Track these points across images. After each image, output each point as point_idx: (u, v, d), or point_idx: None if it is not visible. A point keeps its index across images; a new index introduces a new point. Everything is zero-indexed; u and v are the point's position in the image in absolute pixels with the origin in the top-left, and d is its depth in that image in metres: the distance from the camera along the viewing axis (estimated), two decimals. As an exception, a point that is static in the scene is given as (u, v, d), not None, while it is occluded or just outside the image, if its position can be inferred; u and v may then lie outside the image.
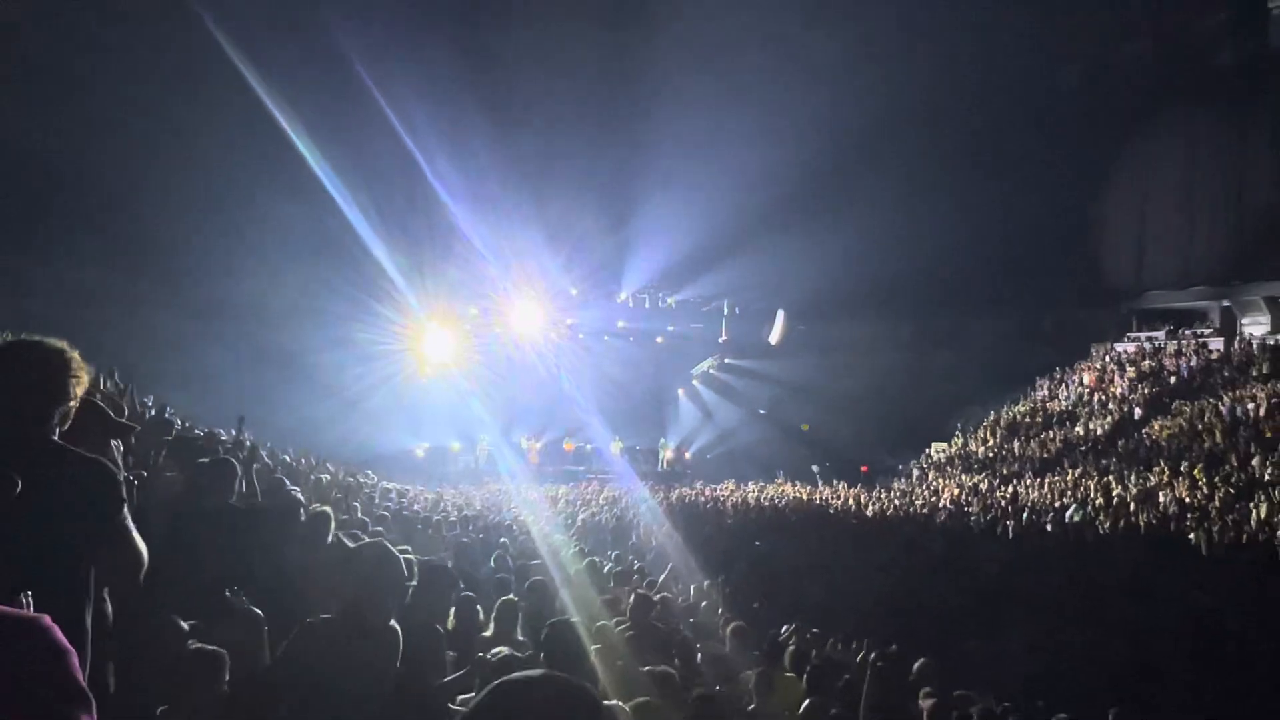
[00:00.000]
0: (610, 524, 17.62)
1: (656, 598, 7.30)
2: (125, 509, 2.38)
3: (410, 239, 30.53)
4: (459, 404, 32.45)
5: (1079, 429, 24.97)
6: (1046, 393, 29.03)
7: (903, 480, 26.57)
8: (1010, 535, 16.29)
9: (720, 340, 40.13)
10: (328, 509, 6.09)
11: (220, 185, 26.58)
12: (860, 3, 32.55)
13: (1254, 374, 23.53)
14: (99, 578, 2.40)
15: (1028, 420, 27.42)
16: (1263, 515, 13.95)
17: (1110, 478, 19.21)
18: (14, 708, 0.98)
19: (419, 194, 30.62)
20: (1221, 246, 29.27)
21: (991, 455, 25.84)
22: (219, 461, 4.97)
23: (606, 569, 9.29)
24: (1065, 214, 32.28)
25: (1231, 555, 13.12)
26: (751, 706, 5.56)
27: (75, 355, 2.35)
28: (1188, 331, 29.31)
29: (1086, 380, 28.39)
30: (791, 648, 7.25)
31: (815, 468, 29.91)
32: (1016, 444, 25.84)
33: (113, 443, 3.27)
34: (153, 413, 9.10)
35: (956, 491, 21.95)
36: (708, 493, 25.17)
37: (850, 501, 21.83)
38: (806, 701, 5.64)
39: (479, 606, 5.40)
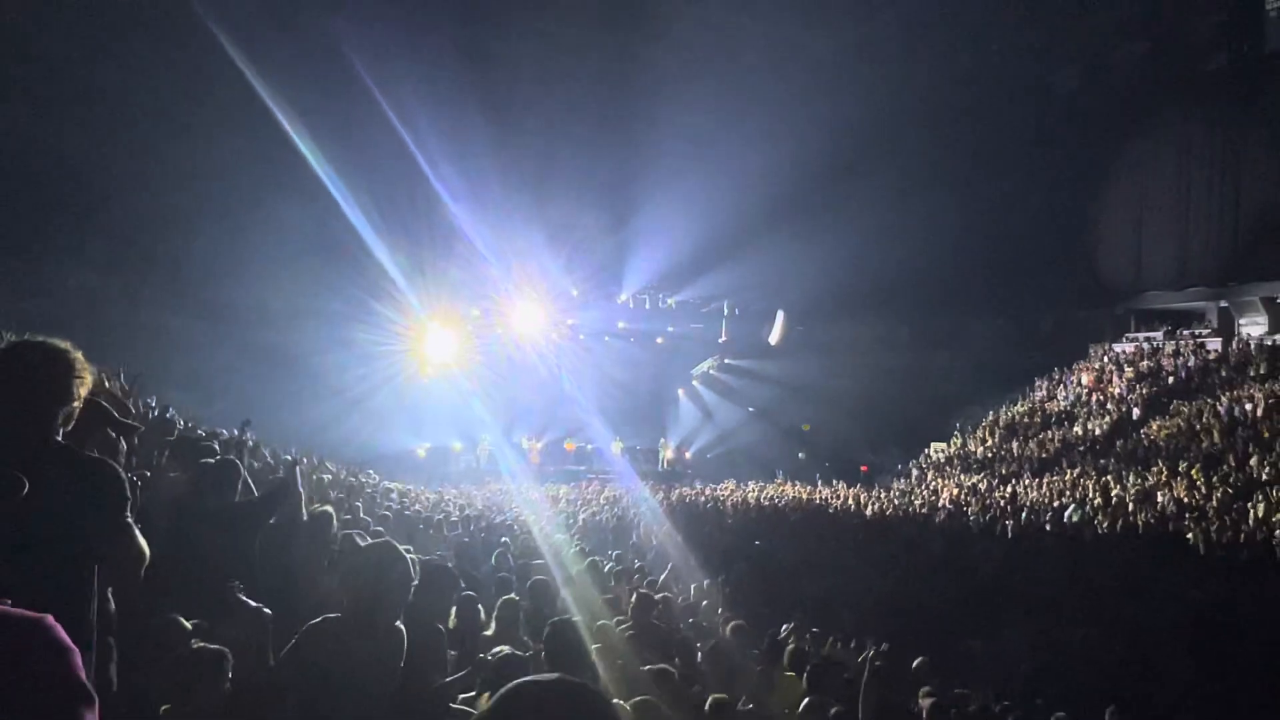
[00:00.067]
0: (611, 524, 17.65)
1: (658, 596, 7.32)
2: (129, 508, 2.40)
3: (412, 240, 30.57)
4: (460, 404, 32.48)
5: (1077, 429, 25.00)
6: (1045, 393, 29.05)
7: (902, 480, 26.60)
8: (1009, 535, 16.31)
9: (720, 341, 40.15)
10: (329, 509, 6.12)
11: (223, 187, 26.63)
12: (859, 4, 32.57)
13: (1251, 374, 23.54)
14: (102, 577, 2.42)
15: (1026, 420, 27.44)
16: (1260, 514, 13.97)
17: (1108, 477, 19.22)
18: (18, 706, 0.98)
19: (420, 195, 30.65)
20: (1218, 247, 29.27)
21: (990, 455, 25.86)
22: (222, 462, 5.00)
23: (607, 568, 9.31)
24: (1063, 215, 32.30)
25: (1229, 555, 13.14)
26: (751, 705, 5.59)
27: (79, 356, 2.37)
28: (1185, 332, 29.33)
29: (1085, 380, 28.42)
30: (791, 646, 7.27)
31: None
32: (1015, 444, 25.86)
33: (119, 443, 3.31)
34: (155, 413, 9.13)
35: (955, 491, 21.97)
36: (708, 493, 25.19)
37: (850, 501, 21.84)
38: (806, 700, 5.67)
39: (480, 606, 5.43)
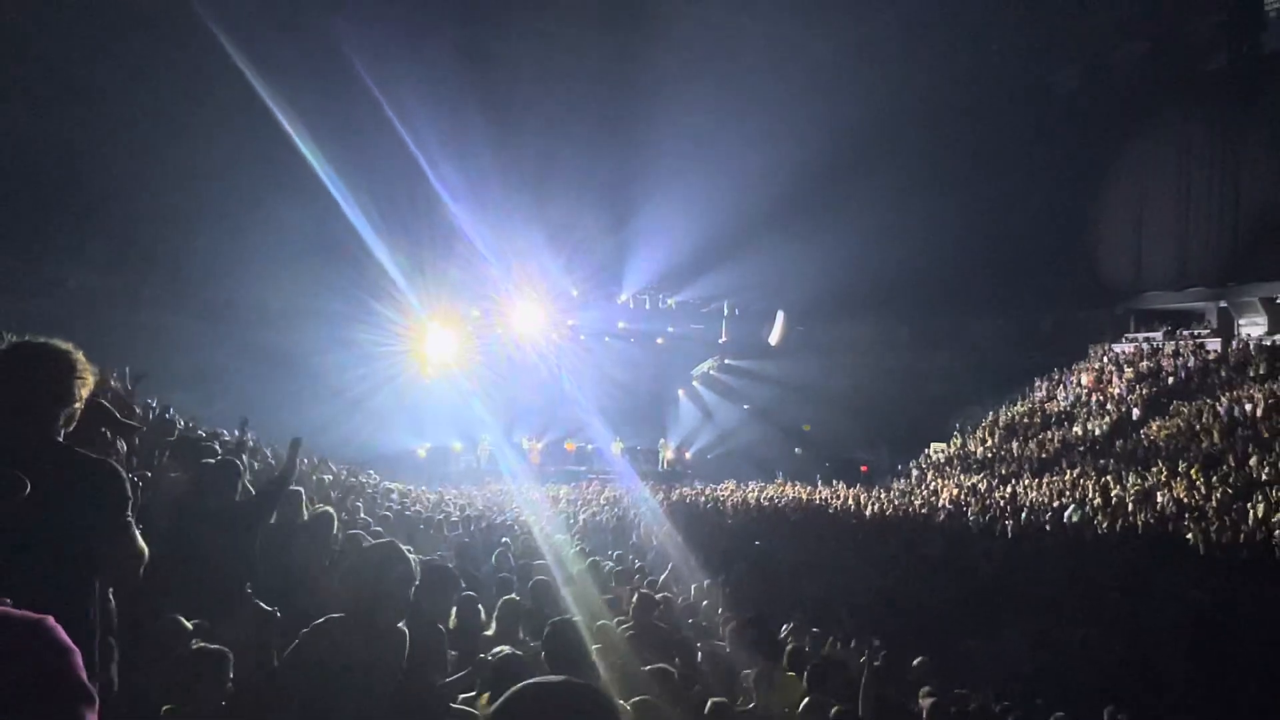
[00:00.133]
0: (611, 524, 17.65)
1: (659, 597, 7.32)
2: (129, 508, 2.40)
3: (412, 240, 30.61)
4: (461, 404, 32.49)
5: (1077, 429, 25.00)
6: (1045, 393, 29.05)
7: (902, 480, 26.60)
8: (1009, 535, 16.31)
9: (720, 341, 40.18)
10: (329, 509, 6.13)
11: (223, 187, 26.65)
12: (859, 5, 32.58)
13: (1251, 374, 23.55)
14: (103, 577, 2.42)
15: (1026, 421, 27.44)
16: (1260, 515, 13.97)
17: (1108, 478, 19.22)
18: (18, 707, 0.98)
19: (421, 196, 30.69)
20: (1218, 248, 29.27)
21: (990, 455, 25.86)
22: (223, 462, 5.00)
23: (607, 568, 9.32)
24: (1063, 215, 32.31)
25: (1229, 555, 13.14)
26: (752, 705, 5.59)
27: (80, 357, 2.37)
28: (1185, 332, 29.33)
29: (1084, 381, 28.41)
30: (791, 646, 7.27)
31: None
32: (1015, 444, 25.86)
33: (118, 443, 3.31)
34: (155, 413, 9.14)
35: (955, 491, 21.97)
36: (708, 493, 25.20)
37: (850, 501, 21.85)
38: (806, 700, 5.67)
39: (480, 606, 5.43)
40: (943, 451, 28.17)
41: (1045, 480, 21.02)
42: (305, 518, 5.78)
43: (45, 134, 23.44)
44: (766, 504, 22.17)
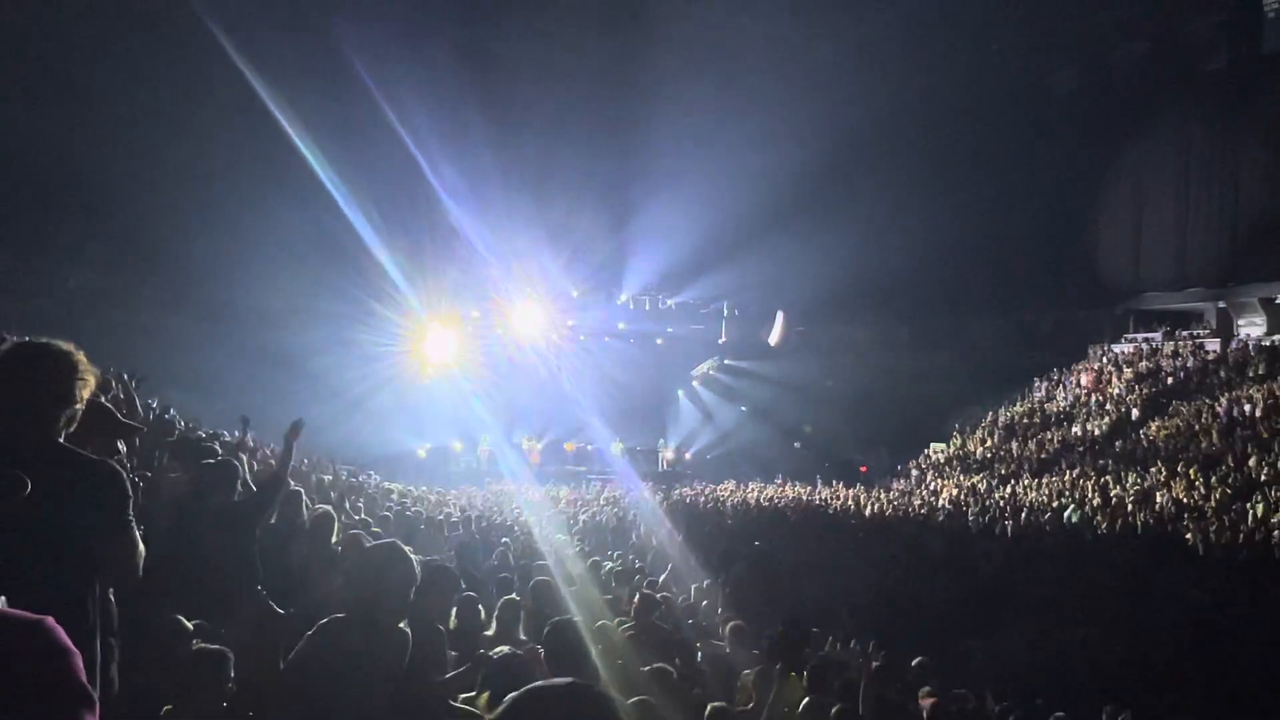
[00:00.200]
0: (611, 524, 17.66)
1: (659, 597, 7.32)
2: (129, 508, 2.40)
3: (412, 241, 30.62)
4: (461, 405, 32.49)
5: (1076, 429, 25.00)
6: (1044, 393, 29.06)
7: (901, 480, 26.60)
8: (1008, 535, 16.31)
9: (720, 342, 40.18)
10: (330, 509, 6.13)
11: (224, 189, 26.66)
12: (859, 5, 32.60)
13: (1250, 375, 23.56)
14: (103, 577, 2.42)
15: (1025, 421, 27.45)
16: (1259, 515, 13.98)
17: (1108, 478, 19.23)
18: (17, 709, 0.98)
19: (421, 196, 30.71)
20: (1217, 248, 29.28)
21: (990, 456, 25.86)
22: (222, 462, 5.00)
23: (607, 569, 9.32)
24: (1062, 216, 32.33)
25: (1228, 555, 13.14)
26: (751, 704, 5.59)
27: (81, 357, 2.37)
28: (1184, 333, 29.33)
29: (1084, 381, 28.42)
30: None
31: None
32: (1014, 444, 25.87)
33: (119, 444, 3.31)
34: (155, 413, 9.14)
35: (955, 492, 21.97)
36: (707, 493, 25.20)
37: (850, 502, 21.85)
38: (806, 700, 5.67)
39: (480, 606, 5.43)
40: (942, 452, 28.16)
41: (1045, 480, 21.02)
42: (305, 518, 5.77)
43: (45, 134, 23.43)
44: (766, 504, 22.17)
